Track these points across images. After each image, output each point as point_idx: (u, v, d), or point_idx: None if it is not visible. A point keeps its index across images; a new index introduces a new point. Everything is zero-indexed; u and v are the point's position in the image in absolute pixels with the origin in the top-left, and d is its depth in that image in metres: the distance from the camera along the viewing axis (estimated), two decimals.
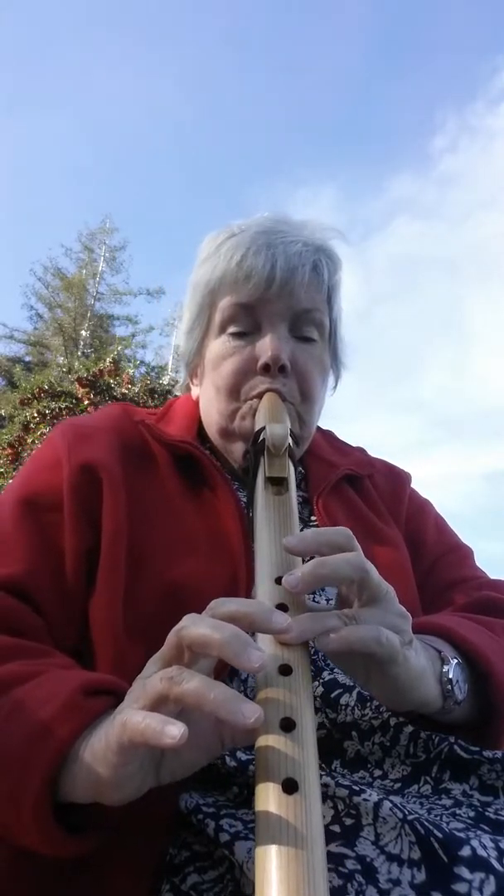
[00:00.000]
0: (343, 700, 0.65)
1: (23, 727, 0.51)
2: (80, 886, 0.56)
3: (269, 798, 0.39)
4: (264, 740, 0.42)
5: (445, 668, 0.60)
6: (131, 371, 7.42)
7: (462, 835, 0.48)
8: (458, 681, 0.61)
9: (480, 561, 0.98)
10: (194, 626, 0.45)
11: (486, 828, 0.51)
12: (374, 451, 1.05)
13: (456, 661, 0.62)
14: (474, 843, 0.47)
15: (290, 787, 0.39)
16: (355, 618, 0.51)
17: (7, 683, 0.55)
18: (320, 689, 0.65)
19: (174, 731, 0.40)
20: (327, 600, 0.74)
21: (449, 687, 0.59)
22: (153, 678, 0.45)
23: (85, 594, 0.70)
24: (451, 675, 0.60)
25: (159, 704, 0.44)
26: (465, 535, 1.01)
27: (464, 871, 0.45)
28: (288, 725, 0.42)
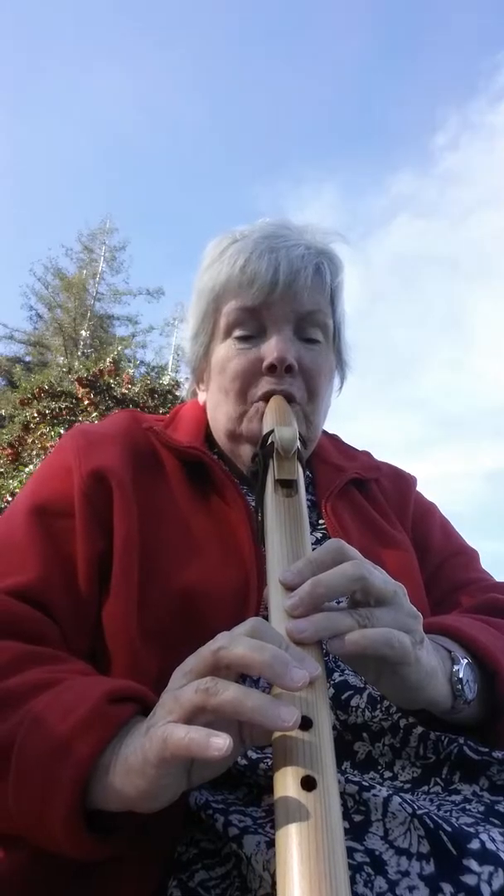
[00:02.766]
0: (354, 702, 0.65)
1: (49, 737, 0.51)
2: (90, 884, 0.57)
3: (287, 794, 0.40)
4: (282, 740, 0.43)
5: (456, 668, 0.61)
6: (131, 371, 7.40)
7: (471, 829, 0.49)
8: (468, 680, 0.61)
9: (481, 560, 0.99)
10: (234, 646, 0.45)
11: (495, 822, 0.52)
12: (375, 450, 1.06)
13: (466, 660, 0.62)
14: (483, 836, 0.48)
15: (309, 784, 0.40)
16: (368, 617, 0.52)
17: (29, 691, 0.55)
18: (331, 691, 0.66)
19: (220, 742, 0.41)
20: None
21: (459, 686, 0.60)
22: (186, 690, 0.45)
23: (98, 600, 0.70)
24: (461, 675, 0.60)
25: (195, 715, 0.44)
26: (465, 535, 1.02)
27: (473, 864, 0.46)
28: (306, 724, 0.43)
